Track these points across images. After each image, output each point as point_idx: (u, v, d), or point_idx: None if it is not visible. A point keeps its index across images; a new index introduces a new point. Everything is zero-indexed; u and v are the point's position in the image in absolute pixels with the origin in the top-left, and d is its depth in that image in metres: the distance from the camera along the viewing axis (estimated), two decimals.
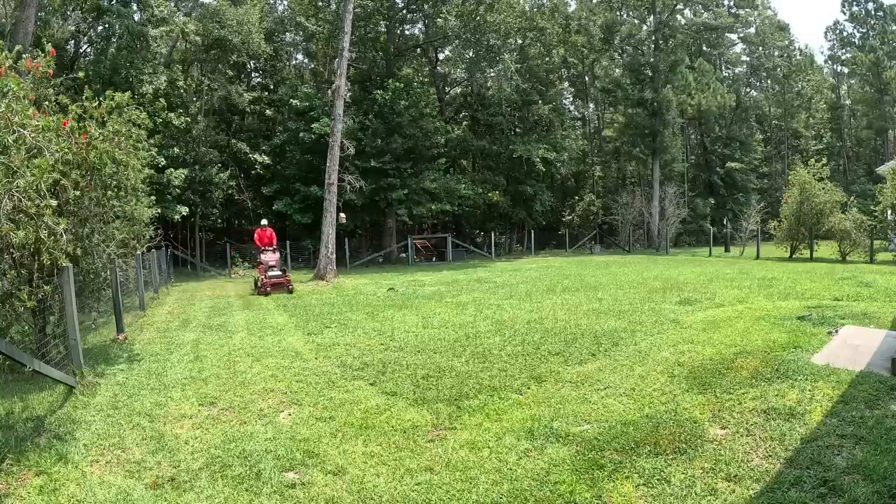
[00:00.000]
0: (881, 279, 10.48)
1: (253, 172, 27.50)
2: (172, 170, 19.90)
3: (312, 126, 22.98)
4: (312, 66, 33.73)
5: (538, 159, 27.67)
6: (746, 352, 5.38)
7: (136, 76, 19.71)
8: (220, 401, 4.98)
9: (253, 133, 28.88)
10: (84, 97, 6.02)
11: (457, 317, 8.73)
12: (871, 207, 18.66)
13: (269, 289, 13.19)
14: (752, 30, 42.34)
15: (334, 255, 17.03)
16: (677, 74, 32.10)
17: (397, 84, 24.45)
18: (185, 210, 20.87)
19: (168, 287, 16.44)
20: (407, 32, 30.68)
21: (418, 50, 31.26)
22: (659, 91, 31.70)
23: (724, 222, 34.24)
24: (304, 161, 24.41)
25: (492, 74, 29.88)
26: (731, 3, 39.82)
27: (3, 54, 5.00)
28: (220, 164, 24.60)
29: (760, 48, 43.73)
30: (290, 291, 13.36)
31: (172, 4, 24.64)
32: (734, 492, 3.07)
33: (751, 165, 40.06)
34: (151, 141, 8.51)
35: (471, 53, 28.81)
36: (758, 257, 20.63)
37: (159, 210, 12.64)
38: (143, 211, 9.20)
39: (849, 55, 44.51)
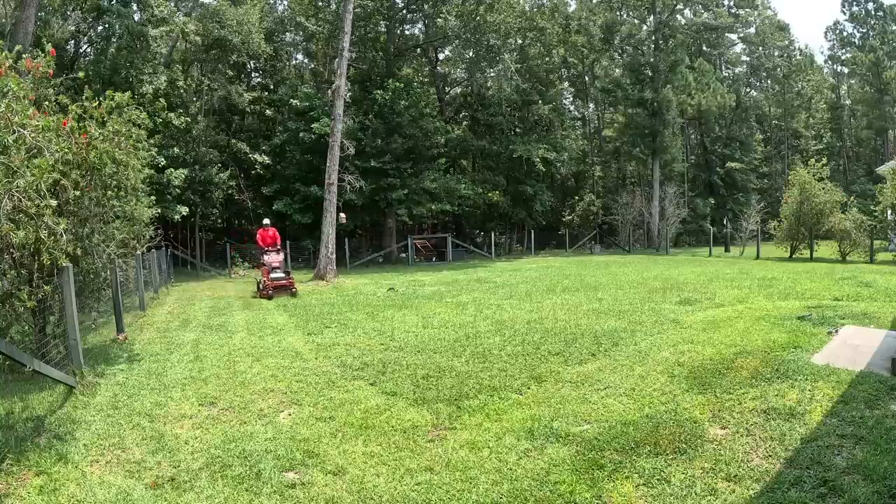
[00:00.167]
0: (881, 279, 10.48)
1: (253, 172, 27.51)
2: (172, 170, 19.90)
3: (312, 126, 22.98)
4: (312, 66, 33.74)
5: (538, 159, 27.68)
6: (746, 352, 5.38)
7: (136, 76, 19.71)
8: (220, 401, 4.98)
9: (253, 133, 28.88)
10: (84, 97, 6.02)
11: (457, 317, 8.73)
12: (871, 207, 18.66)
13: (271, 291, 12.61)
14: (752, 30, 42.35)
15: (334, 255, 17.03)
16: (677, 74, 32.11)
17: (397, 84, 24.45)
18: (185, 210, 20.86)
19: (168, 287, 16.44)
20: (407, 32, 30.69)
21: (418, 50, 31.25)
22: (659, 91, 31.70)
23: (724, 222, 34.24)
24: (304, 161, 24.41)
25: (492, 74, 29.88)
26: (731, 3, 39.82)
27: (3, 54, 5.00)
28: (220, 164, 24.60)
29: (760, 48, 43.74)
30: (294, 295, 12.72)
31: (172, 4, 24.64)
32: (734, 492, 3.07)
33: (751, 165, 40.07)
34: (151, 141, 8.51)
35: (471, 53, 28.82)
36: (758, 257, 20.63)
37: (159, 210, 12.62)
38: (143, 211, 9.20)
39: (849, 55, 44.52)
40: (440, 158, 27.59)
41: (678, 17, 35.51)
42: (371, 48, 27.90)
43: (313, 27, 27.23)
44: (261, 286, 13.11)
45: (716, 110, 34.87)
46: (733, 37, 42.27)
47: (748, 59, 45.02)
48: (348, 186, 19.85)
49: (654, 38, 33.45)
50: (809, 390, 4.26)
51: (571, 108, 43.13)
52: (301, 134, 23.96)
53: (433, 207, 26.21)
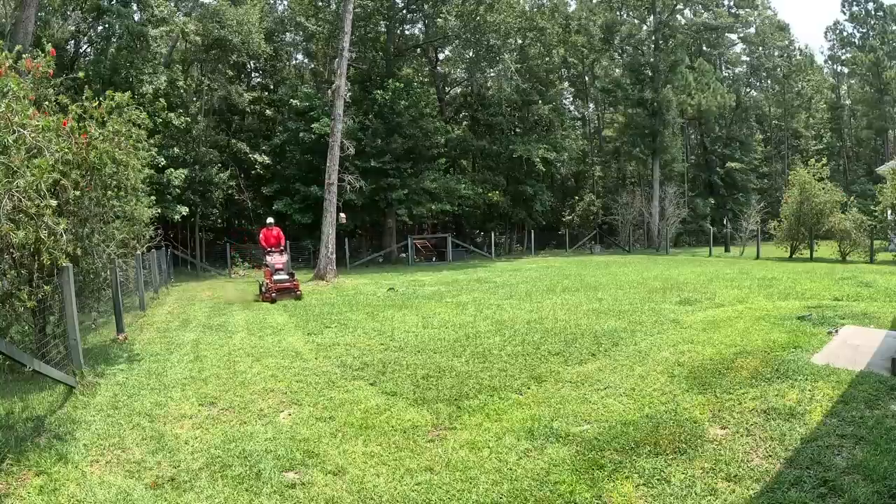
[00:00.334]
0: (881, 279, 10.48)
1: (253, 172, 27.51)
2: (172, 170, 19.90)
3: (312, 126, 22.98)
4: (312, 66, 33.74)
5: (538, 159, 27.68)
6: (746, 352, 5.38)
7: (136, 76, 19.72)
8: (220, 401, 4.98)
9: (253, 133, 28.88)
10: (84, 97, 6.02)
11: (457, 317, 8.73)
12: (871, 207, 18.66)
13: (275, 294, 11.86)
14: (752, 30, 42.35)
15: (334, 255, 17.04)
16: (677, 74, 32.11)
17: (397, 84, 24.45)
18: (185, 210, 20.86)
19: (168, 287, 16.44)
20: (407, 32, 30.69)
21: (418, 50, 31.25)
22: (659, 91, 31.70)
23: (724, 222, 34.24)
24: (304, 161, 24.41)
25: (492, 74, 29.88)
26: (731, 3, 39.82)
27: (3, 54, 5.00)
28: (220, 164, 24.60)
29: (760, 48, 43.73)
30: (299, 298, 12.01)
31: (172, 4, 24.64)
32: (734, 492, 3.07)
33: (751, 165, 40.06)
34: (151, 141, 8.50)
35: (471, 53, 28.82)
36: (758, 257, 20.63)
37: (159, 210, 12.60)
38: (143, 211, 9.20)
39: (849, 55, 44.51)
40: (440, 158, 27.59)
41: (678, 17, 35.51)
42: (371, 48, 27.90)
43: (313, 27, 27.24)
44: (263, 289, 12.35)
45: (716, 110, 34.87)
46: (733, 37, 42.28)
47: (748, 59, 45.02)
48: (348, 186, 19.84)
49: (654, 38, 33.46)
50: (809, 390, 4.25)
51: (571, 108, 43.14)
52: (301, 134, 23.96)
53: (433, 207, 26.22)
